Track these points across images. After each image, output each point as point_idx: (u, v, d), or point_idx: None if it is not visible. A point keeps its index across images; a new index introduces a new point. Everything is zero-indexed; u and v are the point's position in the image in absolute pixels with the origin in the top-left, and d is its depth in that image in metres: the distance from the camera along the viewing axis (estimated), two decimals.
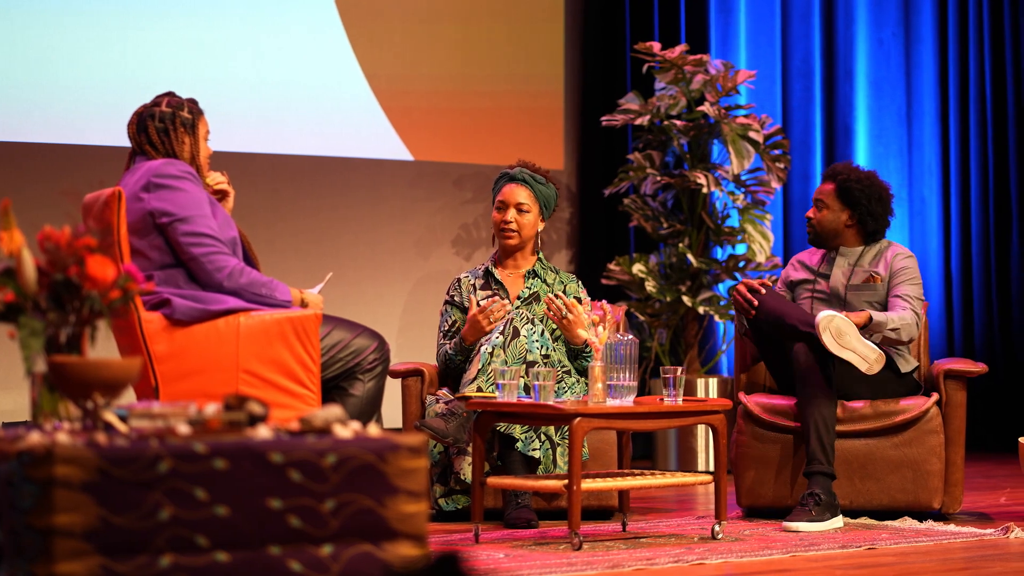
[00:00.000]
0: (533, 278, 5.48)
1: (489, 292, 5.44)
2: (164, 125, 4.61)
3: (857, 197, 5.42)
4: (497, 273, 5.49)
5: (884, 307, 5.36)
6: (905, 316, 5.24)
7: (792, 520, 4.91)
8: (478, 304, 5.32)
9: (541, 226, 5.50)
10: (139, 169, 4.58)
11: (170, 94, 4.69)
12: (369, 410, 4.71)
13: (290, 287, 4.65)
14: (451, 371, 5.37)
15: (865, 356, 5.06)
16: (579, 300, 5.40)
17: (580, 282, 5.56)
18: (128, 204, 4.52)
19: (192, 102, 4.68)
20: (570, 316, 5.19)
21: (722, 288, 7.64)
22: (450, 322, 5.44)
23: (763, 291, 5.23)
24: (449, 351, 5.36)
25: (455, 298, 5.49)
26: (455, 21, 7.77)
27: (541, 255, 5.54)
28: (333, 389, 4.72)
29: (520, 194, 5.46)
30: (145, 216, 4.51)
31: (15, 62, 6.70)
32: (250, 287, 4.52)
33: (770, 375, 5.55)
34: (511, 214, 5.46)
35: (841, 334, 5.05)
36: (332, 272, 5.10)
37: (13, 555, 2.69)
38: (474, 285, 5.48)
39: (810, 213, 5.50)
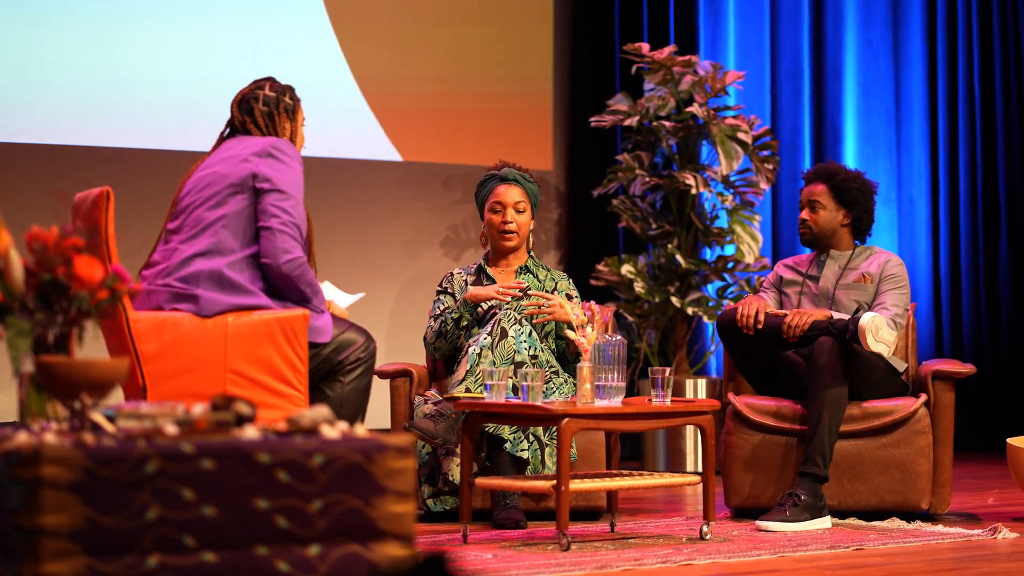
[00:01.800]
0: (525, 274, 5.48)
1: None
2: (269, 108, 4.72)
3: (855, 196, 5.45)
4: (490, 270, 5.49)
5: (870, 307, 5.36)
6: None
7: (765, 519, 4.92)
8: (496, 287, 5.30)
9: (532, 224, 5.51)
10: (245, 140, 4.66)
11: (271, 79, 4.79)
12: (352, 410, 4.68)
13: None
14: (441, 335, 5.32)
15: (890, 343, 5.10)
16: (570, 297, 5.40)
17: (571, 280, 5.56)
18: (234, 163, 4.60)
19: (291, 89, 4.79)
20: (549, 306, 5.19)
21: (711, 289, 7.65)
22: (442, 308, 5.42)
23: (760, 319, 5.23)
24: (446, 312, 5.32)
25: (448, 289, 5.48)
26: (444, 22, 7.77)
27: (532, 252, 5.54)
28: (312, 390, 4.70)
29: (516, 194, 5.46)
30: (247, 177, 4.58)
31: (13, 62, 6.68)
32: (299, 281, 4.55)
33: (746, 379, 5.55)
34: (510, 214, 5.45)
35: (878, 329, 5.07)
36: (364, 292, 5.12)
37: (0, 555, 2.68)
38: (466, 281, 5.48)
39: (804, 215, 5.49)
